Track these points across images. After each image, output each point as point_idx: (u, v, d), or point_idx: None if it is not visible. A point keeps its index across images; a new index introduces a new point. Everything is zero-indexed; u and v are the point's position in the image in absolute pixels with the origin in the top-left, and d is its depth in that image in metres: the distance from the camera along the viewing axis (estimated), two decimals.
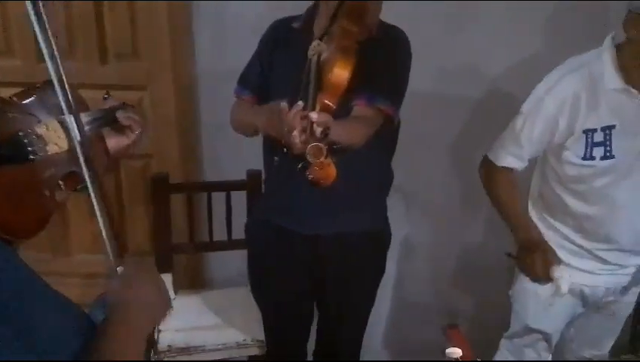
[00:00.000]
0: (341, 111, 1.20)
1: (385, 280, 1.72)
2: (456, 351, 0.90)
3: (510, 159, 1.50)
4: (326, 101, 1.08)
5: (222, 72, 1.85)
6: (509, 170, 1.52)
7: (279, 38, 1.50)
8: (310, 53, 1.27)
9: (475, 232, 2.23)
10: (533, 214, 1.61)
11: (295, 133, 1.05)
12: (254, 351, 1.83)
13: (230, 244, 1.99)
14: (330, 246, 1.55)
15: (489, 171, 1.56)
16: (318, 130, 1.04)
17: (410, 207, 2.20)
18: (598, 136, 1.37)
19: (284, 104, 1.11)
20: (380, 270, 1.68)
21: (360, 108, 1.33)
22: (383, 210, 1.64)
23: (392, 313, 2.36)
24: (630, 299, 1.63)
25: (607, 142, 1.37)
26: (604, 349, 1.70)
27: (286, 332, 1.74)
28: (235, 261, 2.00)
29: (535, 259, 1.46)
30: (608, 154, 1.38)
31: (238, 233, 1.85)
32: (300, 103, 1.09)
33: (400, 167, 1.65)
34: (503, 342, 1.72)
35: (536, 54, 1.94)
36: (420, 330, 2.32)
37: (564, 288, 1.44)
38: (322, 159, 1.04)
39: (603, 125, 1.37)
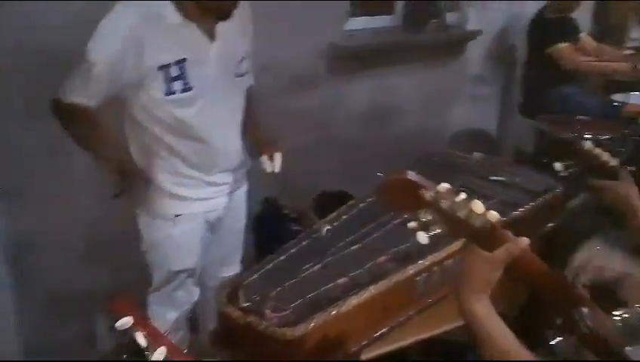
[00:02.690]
0: None
1: None
2: (126, 320, 0.80)
3: (79, 96, 1.42)
4: None
5: None
6: (80, 106, 1.43)
7: None
8: None
9: (88, 206, 2.05)
10: (141, 164, 1.57)
11: None
12: None
13: None
14: None
15: (62, 111, 1.45)
16: None
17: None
18: (174, 71, 1.42)
19: None
20: None
21: None
22: None
23: (27, 319, 2.01)
24: (240, 212, 1.83)
25: (183, 75, 1.43)
26: (236, 264, 1.88)
27: None
28: None
29: (128, 182, 1.45)
30: (187, 86, 1.44)
31: None
32: None
33: None
34: (151, 298, 1.72)
35: None
36: (65, 325, 2.08)
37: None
38: None
39: (176, 60, 1.41)
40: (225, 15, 1.42)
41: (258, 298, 1.34)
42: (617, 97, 3.14)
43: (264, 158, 1.65)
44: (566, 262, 2.14)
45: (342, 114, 2.86)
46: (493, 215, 0.93)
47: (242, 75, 1.60)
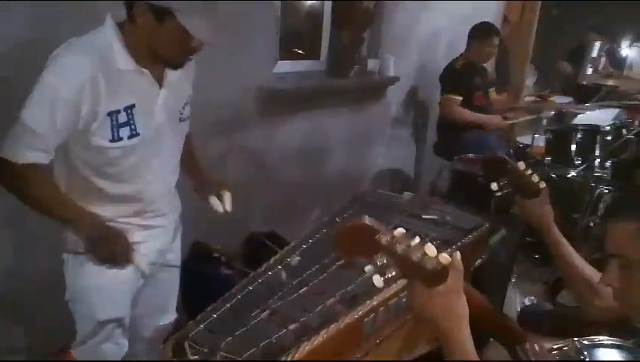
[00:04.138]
0: None
1: None
2: None
3: (33, 154, 1.32)
4: None
5: None
6: (35, 166, 1.33)
7: None
8: None
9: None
10: None
11: None
12: None
13: None
14: None
15: (11, 174, 1.33)
16: None
17: None
18: (122, 117, 1.38)
19: None
20: None
21: None
22: None
23: None
24: (175, 256, 1.76)
25: (131, 121, 1.40)
26: (172, 311, 1.80)
27: None
28: None
29: (110, 245, 1.38)
30: (134, 132, 1.41)
31: None
32: None
33: None
34: (76, 352, 1.59)
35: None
36: None
37: (144, 267, 1.44)
38: None
39: (125, 106, 1.38)
40: (179, 65, 1.42)
41: (207, 350, 1.27)
42: (523, 139, 3.43)
43: (213, 199, 1.65)
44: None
45: (271, 155, 2.87)
46: (445, 257, 0.98)
47: (185, 120, 1.59)
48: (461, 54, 3.54)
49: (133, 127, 1.40)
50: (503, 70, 4.51)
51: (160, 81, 1.44)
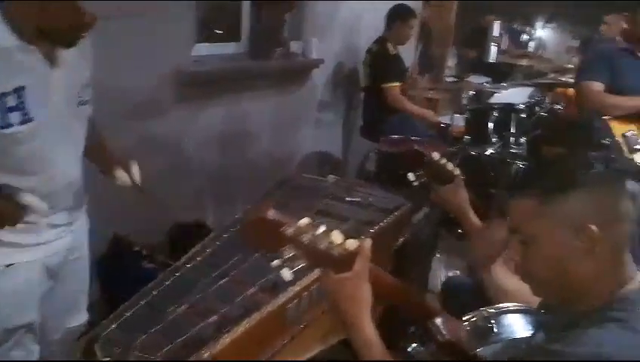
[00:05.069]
0: None
1: None
2: None
3: None
4: None
5: None
6: None
7: None
8: None
9: None
10: None
11: None
12: None
13: None
14: None
15: None
16: None
17: None
18: (11, 100, 1.25)
19: None
20: None
21: None
22: None
23: None
24: (83, 253, 1.64)
25: (22, 105, 1.26)
26: (82, 312, 1.68)
27: None
28: None
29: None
30: (26, 117, 1.28)
31: None
32: None
33: None
34: None
35: None
36: None
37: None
38: None
39: (14, 87, 1.25)
40: (70, 44, 1.29)
41: (119, 350, 1.21)
42: (444, 119, 3.52)
43: (119, 172, 1.53)
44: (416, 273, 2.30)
45: (192, 141, 2.77)
46: (351, 243, 0.98)
47: (85, 104, 1.46)
48: (381, 37, 3.56)
49: (24, 111, 1.26)
50: (426, 52, 4.59)
51: (52, 59, 1.31)
